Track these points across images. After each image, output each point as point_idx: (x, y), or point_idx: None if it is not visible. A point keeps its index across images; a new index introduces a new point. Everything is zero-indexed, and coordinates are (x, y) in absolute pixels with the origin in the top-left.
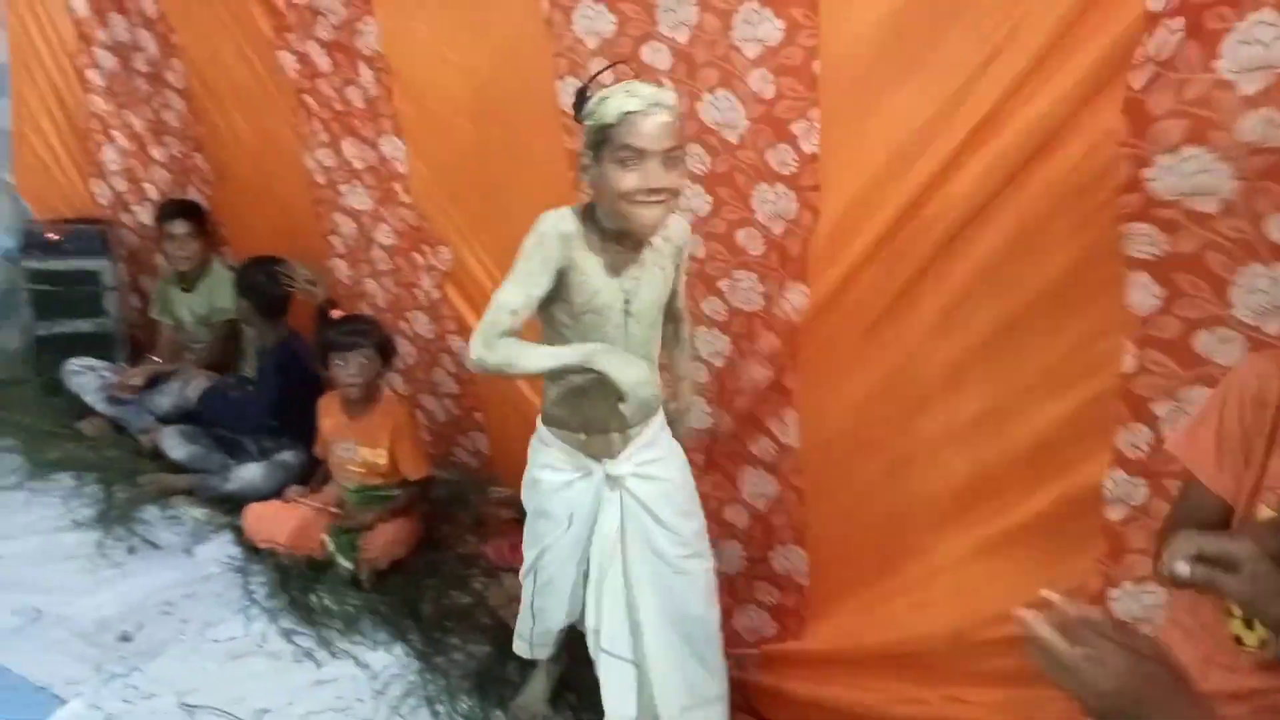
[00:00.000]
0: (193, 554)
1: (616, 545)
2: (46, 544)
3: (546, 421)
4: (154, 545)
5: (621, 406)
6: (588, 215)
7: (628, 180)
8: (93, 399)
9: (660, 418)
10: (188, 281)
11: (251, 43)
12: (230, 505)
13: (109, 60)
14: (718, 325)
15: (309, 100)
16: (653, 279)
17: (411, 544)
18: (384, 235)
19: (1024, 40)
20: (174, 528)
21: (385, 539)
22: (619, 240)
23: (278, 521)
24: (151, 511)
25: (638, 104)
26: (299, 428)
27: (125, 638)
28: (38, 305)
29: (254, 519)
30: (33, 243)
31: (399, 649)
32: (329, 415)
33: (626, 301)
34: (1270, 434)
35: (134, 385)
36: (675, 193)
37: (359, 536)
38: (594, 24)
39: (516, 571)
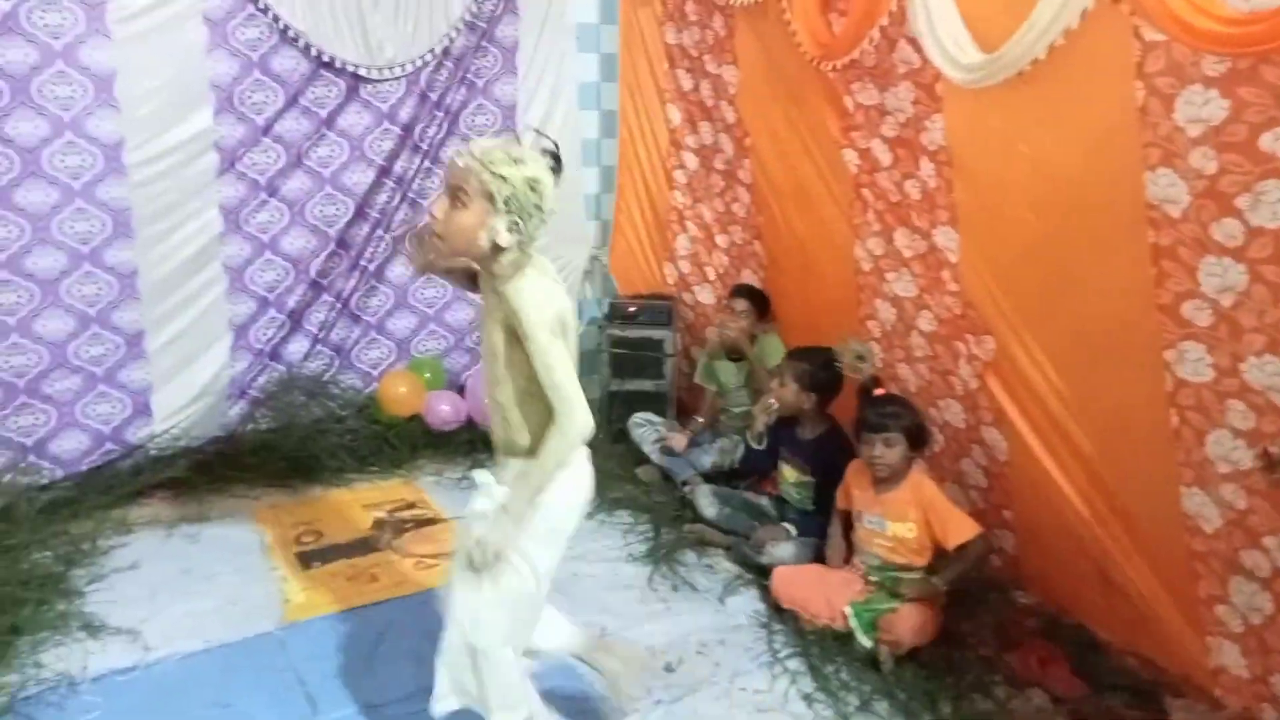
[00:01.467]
0: (724, 603)
1: None
2: (611, 571)
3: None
4: (693, 588)
5: None
6: None
7: None
8: (649, 450)
9: None
10: (736, 351)
11: (818, 142)
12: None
13: (693, 161)
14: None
15: (866, 193)
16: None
17: (931, 634)
18: (925, 322)
19: None
20: (709, 575)
21: (907, 624)
22: None
23: (803, 587)
24: (690, 556)
25: None
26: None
27: (669, 668)
28: (614, 365)
29: (781, 581)
30: (616, 313)
31: None
32: (858, 485)
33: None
34: None
35: (679, 442)
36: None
37: (879, 615)
38: (1201, 110)
39: (1043, 687)
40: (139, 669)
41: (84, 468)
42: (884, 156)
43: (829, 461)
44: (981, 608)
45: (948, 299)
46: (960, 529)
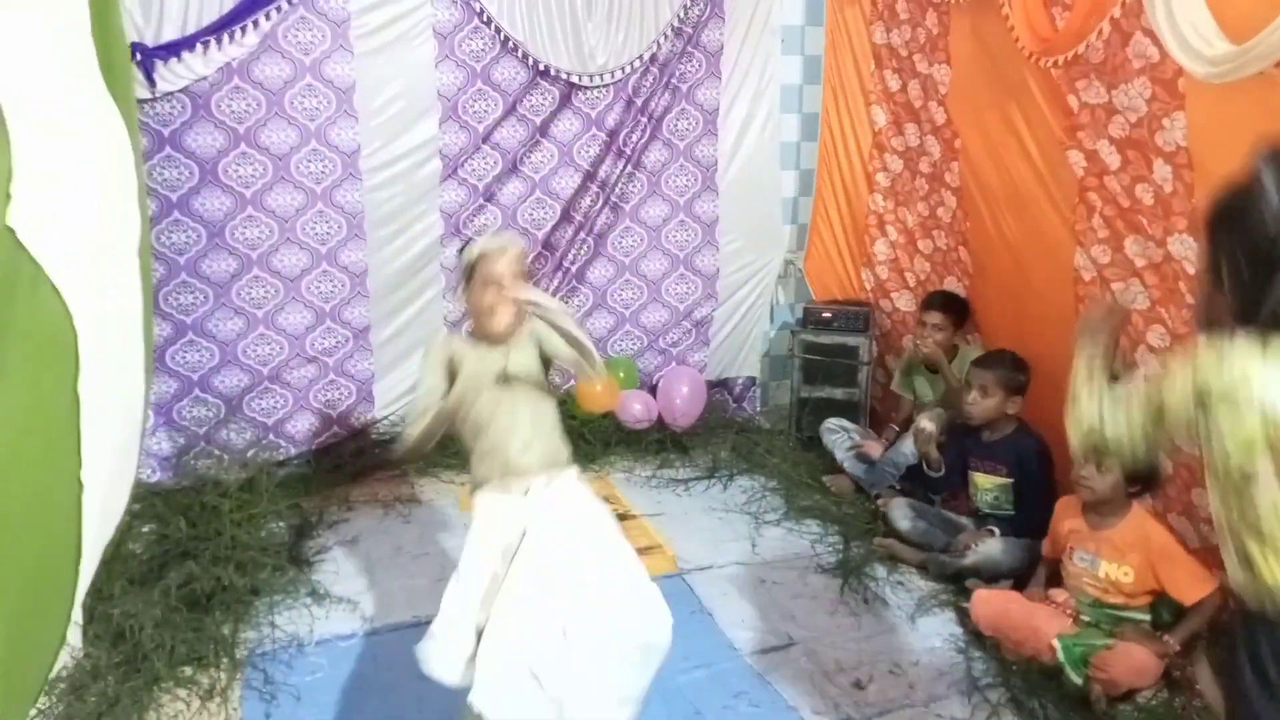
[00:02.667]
0: (916, 623)
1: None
2: (799, 580)
3: None
4: (884, 603)
5: None
6: None
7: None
8: (842, 457)
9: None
10: (931, 365)
11: (1038, 143)
12: (957, 583)
13: (896, 164)
14: None
15: (1092, 197)
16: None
17: (1153, 677)
18: (1156, 337)
19: None
20: (901, 592)
21: (1125, 663)
22: None
23: (1007, 614)
24: (881, 571)
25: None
26: (1033, 523)
27: (859, 685)
28: (805, 371)
29: (982, 605)
30: (810, 318)
31: None
32: (1067, 518)
33: None
34: None
35: (875, 450)
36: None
37: (1093, 652)
38: None
39: None
40: (357, 636)
41: (314, 447)
42: (1111, 159)
43: (1025, 457)
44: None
45: (1185, 313)
46: (1196, 583)
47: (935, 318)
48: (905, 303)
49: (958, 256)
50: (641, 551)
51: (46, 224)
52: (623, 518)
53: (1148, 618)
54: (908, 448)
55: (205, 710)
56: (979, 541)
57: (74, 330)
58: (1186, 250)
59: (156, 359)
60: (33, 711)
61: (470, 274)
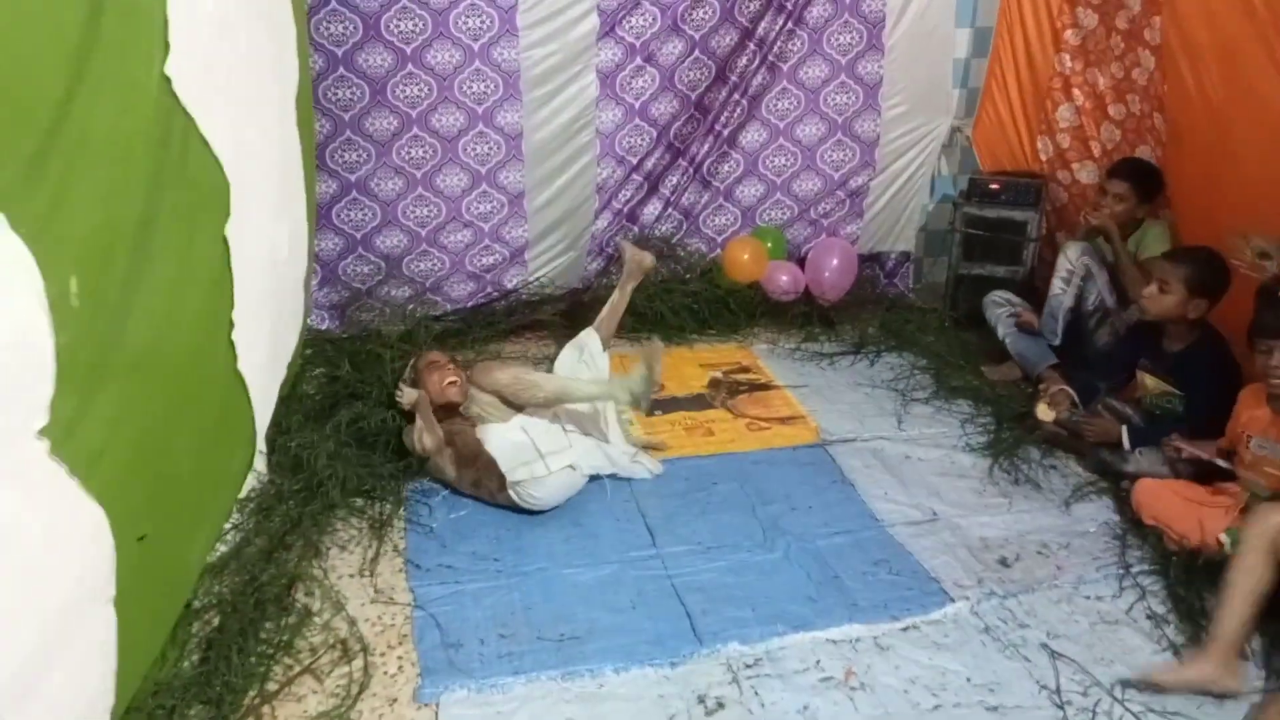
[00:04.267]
0: (1070, 508)
1: None
2: (946, 458)
3: None
4: (1036, 486)
5: None
6: None
7: None
8: (1005, 332)
9: None
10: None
11: None
12: (1115, 481)
13: (1090, 19)
14: None
15: None
16: None
17: None
18: None
19: None
20: (1052, 476)
21: None
22: None
23: (1172, 505)
24: (1034, 454)
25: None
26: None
27: (1004, 563)
28: (965, 247)
29: (1147, 494)
30: (975, 191)
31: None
32: (1250, 406)
33: None
34: None
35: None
36: None
37: None
38: None
39: None
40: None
41: (468, 305)
42: None
43: (1202, 374)
44: None
45: None
46: None
47: (1118, 186)
48: (1088, 174)
49: (1152, 123)
50: (783, 421)
51: (201, 74)
52: (764, 388)
53: None
54: (1060, 288)
55: (375, 537)
56: (1140, 452)
57: (225, 179)
58: None
59: (323, 215)
60: (227, 525)
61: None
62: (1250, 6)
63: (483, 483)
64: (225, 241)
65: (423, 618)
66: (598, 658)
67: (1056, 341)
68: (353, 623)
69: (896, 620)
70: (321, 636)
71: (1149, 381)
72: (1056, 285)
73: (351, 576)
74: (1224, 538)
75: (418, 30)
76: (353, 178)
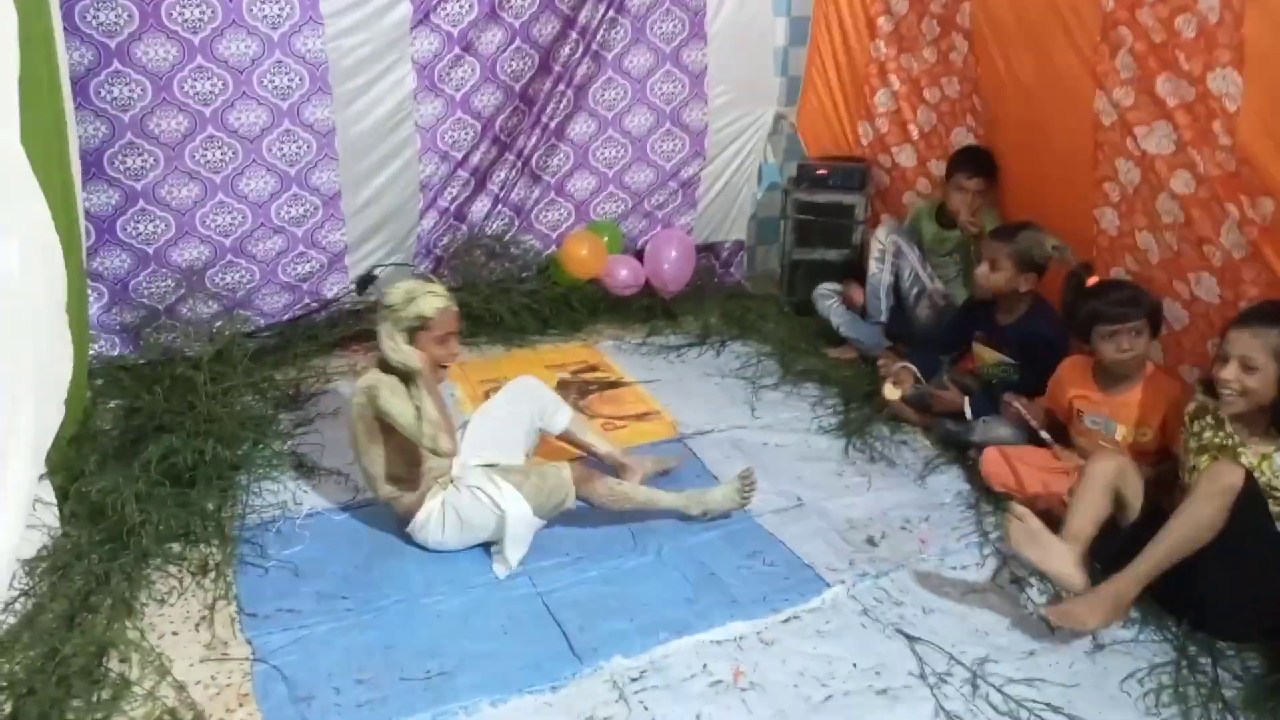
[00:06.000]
0: (924, 481)
1: None
2: (802, 442)
3: None
4: (890, 463)
5: None
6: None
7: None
8: (839, 322)
9: None
10: (949, 217)
11: None
12: (962, 451)
13: (901, 4)
14: None
15: (1123, 32)
16: None
17: None
18: (1181, 183)
19: None
20: (904, 451)
21: None
22: None
23: (1017, 471)
24: (884, 431)
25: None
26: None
27: (871, 542)
28: (798, 233)
29: (993, 464)
30: (803, 176)
31: (1154, 634)
32: (1074, 384)
33: None
34: None
35: (858, 295)
36: None
37: None
38: None
39: None
40: (350, 509)
41: (285, 319)
42: None
43: (1034, 343)
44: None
45: (1219, 154)
46: None
47: (972, 182)
48: (906, 158)
49: (972, 104)
50: (639, 418)
51: None
52: (615, 385)
53: None
54: (876, 269)
55: (200, 586)
56: (986, 422)
57: None
58: (1228, 86)
59: (105, 229)
60: (14, 592)
61: (424, 325)
62: None
63: (400, 478)
64: None
65: (265, 671)
66: (471, 692)
67: (882, 318)
68: (181, 688)
69: (777, 612)
70: (145, 709)
71: (985, 354)
72: (873, 265)
73: (175, 634)
74: (1069, 498)
75: (205, 19)
76: (138, 186)
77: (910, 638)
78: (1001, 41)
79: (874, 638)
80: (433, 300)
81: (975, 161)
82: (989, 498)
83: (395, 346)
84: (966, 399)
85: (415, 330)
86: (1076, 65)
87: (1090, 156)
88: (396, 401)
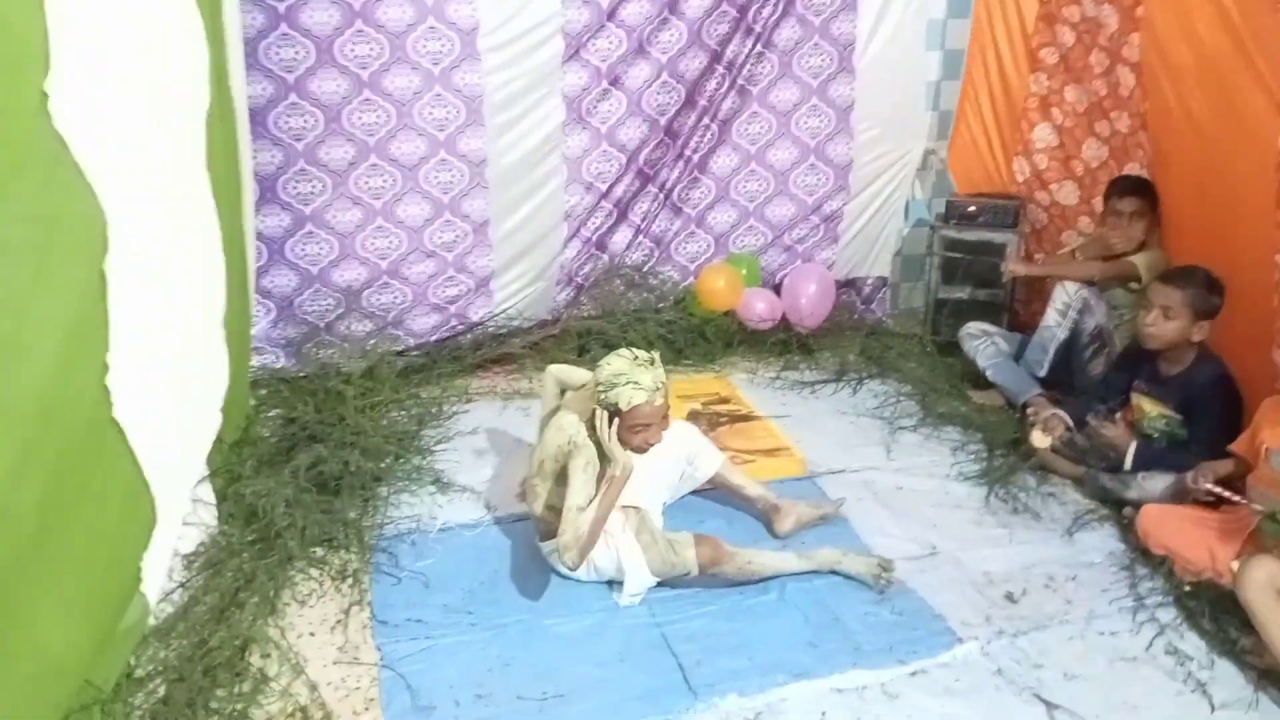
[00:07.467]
0: (1073, 537)
1: None
2: (940, 488)
3: None
4: (1035, 515)
5: None
6: None
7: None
8: (985, 364)
9: None
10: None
11: (1241, 7)
12: (1116, 507)
13: (1068, 36)
14: None
15: None
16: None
17: None
18: None
19: None
20: (1051, 504)
21: None
22: None
23: (1180, 532)
24: (1030, 481)
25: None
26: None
27: (1011, 598)
28: (944, 270)
29: (1153, 522)
30: (952, 213)
31: None
32: (1273, 421)
33: None
34: None
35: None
36: None
37: None
38: None
39: None
40: (481, 525)
41: (433, 340)
42: None
43: (1201, 394)
44: None
45: None
46: None
47: (1130, 204)
48: (1067, 195)
49: (1137, 140)
50: (768, 453)
51: (82, 95)
52: (745, 419)
53: None
54: (1055, 321)
55: (337, 590)
56: (1145, 476)
57: (100, 209)
58: None
59: (275, 250)
60: (172, 584)
61: (618, 413)
62: (1229, 21)
63: (557, 509)
64: (103, 277)
65: (391, 678)
66: (584, 718)
67: (1043, 373)
68: (314, 687)
69: (904, 664)
70: (280, 704)
71: (1146, 405)
72: (1051, 317)
73: (312, 635)
74: (1235, 566)
75: (374, 55)
76: (308, 210)
77: (1049, 704)
78: (1173, 76)
79: (1007, 700)
80: (631, 394)
81: (1128, 182)
82: (1145, 559)
83: (608, 435)
84: (1134, 444)
85: (614, 414)
86: (1260, 100)
87: (1274, 198)
88: (581, 478)
